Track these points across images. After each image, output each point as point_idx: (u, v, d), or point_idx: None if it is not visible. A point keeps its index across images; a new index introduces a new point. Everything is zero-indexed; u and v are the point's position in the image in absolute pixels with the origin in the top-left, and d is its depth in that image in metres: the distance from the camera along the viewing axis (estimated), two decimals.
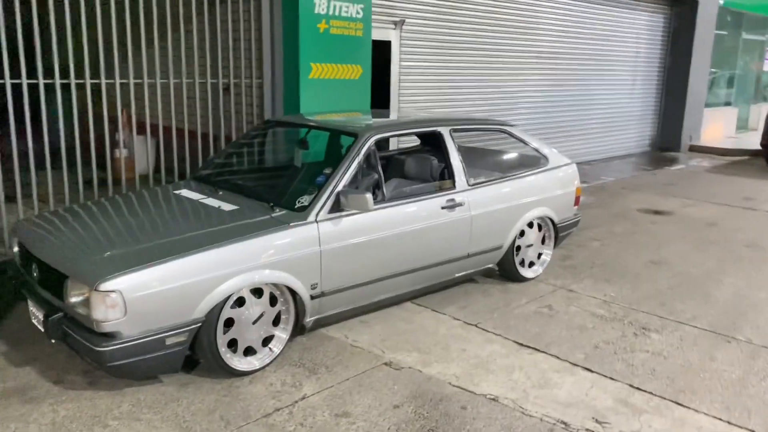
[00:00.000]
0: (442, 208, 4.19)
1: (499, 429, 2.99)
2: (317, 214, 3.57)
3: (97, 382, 3.29)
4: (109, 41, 5.10)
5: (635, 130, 12.01)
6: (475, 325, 4.12)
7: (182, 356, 3.18)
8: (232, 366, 3.32)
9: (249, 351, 3.42)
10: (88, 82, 4.99)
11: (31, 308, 3.40)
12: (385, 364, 3.58)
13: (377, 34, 6.85)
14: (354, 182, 3.84)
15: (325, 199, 3.62)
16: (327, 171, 3.89)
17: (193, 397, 3.18)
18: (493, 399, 3.24)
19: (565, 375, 3.51)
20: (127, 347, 2.95)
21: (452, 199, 4.25)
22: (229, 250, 3.23)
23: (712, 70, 13.35)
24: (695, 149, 12.54)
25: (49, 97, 4.84)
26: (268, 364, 3.47)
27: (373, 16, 6.38)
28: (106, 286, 2.88)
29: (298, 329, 3.66)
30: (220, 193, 4.01)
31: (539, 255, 5.06)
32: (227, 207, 3.76)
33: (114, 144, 6.92)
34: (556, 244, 5.19)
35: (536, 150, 5.08)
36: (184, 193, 4.10)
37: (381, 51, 7.11)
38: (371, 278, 3.88)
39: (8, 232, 4.33)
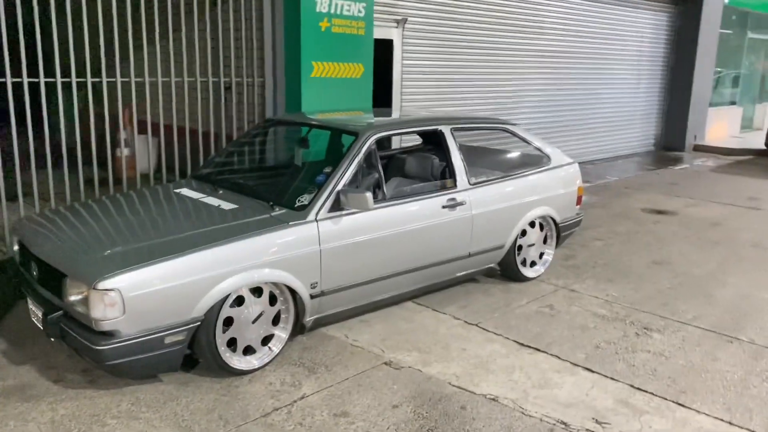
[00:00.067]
0: (443, 207, 4.18)
1: (499, 429, 2.98)
2: (317, 213, 3.56)
3: (96, 380, 3.29)
4: (111, 39, 5.10)
5: (639, 130, 11.97)
6: (476, 325, 4.10)
7: (181, 355, 3.17)
8: (232, 365, 3.32)
9: (248, 350, 3.42)
10: (90, 80, 4.99)
11: (31, 307, 3.40)
12: (385, 363, 3.56)
13: (379, 33, 6.83)
14: (354, 181, 3.83)
15: (325, 198, 3.61)
16: (327, 170, 3.88)
17: (192, 396, 3.17)
18: (493, 399, 3.23)
19: (565, 375, 3.49)
20: (125, 346, 2.95)
21: (453, 198, 4.24)
22: (229, 249, 3.22)
23: (717, 69, 13.29)
24: (699, 149, 12.49)
25: (50, 95, 4.84)
26: (267, 364, 3.46)
27: (375, 15, 6.37)
28: (104, 284, 2.87)
29: (298, 328, 3.65)
30: (220, 192, 4.00)
31: (541, 254, 5.04)
32: (227, 206, 3.75)
33: (116, 143, 6.92)
34: (558, 244, 5.17)
35: (538, 149, 5.06)
36: (184, 191, 4.10)
37: (383, 50, 7.10)
38: (371, 277, 3.87)
39: (9, 230, 4.33)
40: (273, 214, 3.59)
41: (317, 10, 5.61)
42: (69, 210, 3.92)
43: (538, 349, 3.79)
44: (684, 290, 4.84)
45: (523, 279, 4.87)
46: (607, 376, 3.48)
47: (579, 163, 5.29)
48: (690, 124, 12.26)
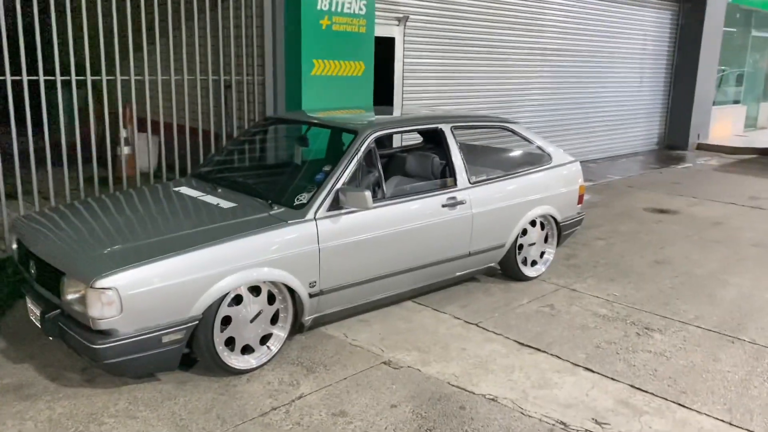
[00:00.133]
0: (443, 206, 4.16)
1: (498, 429, 2.96)
2: (316, 212, 3.55)
3: (94, 379, 3.28)
4: (111, 37, 5.09)
5: (642, 128, 11.92)
6: (476, 325, 4.08)
7: (179, 354, 3.16)
8: (230, 364, 3.31)
9: (247, 349, 3.40)
10: (89, 78, 4.98)
11: (30, 305, 3.39)
12: (384, 363, 3.55)
13: (381, 31, 6.81)
14: (354, 180, 3.81)
15: (324, 196, 3.59)
16: (326, 168, 3.86)
17: (190, 396, 3.16)
18: (492, 399, 3.21)
19: (565, 375, 3.48)
20: (123, 345, 2.94)
21: (453, 197, 4.22)
22: (227, 248, 3.21)
23: (721, 67, 13.23)
24: (703, 147, 12.44)
25: (50, 94, 4.83)
26: (265, 363, 3.45)
27: (377, 13, 6.34)
28: (102, 283, 2.86)
29: (297, 327, 3.64)
30: (219, 190, 3.99)
31: (542, 254, 5.02)
32: (226, 204, 3.74)
33: (116, 141, 6.92)
34: (559, 243, 5.14)
35: (539, 147, 5.04)
36: (184, 190, 4.09)
37: (385, 47, 7.08)
38: (371, 276, 3.85)
39: (8, 228, 4.33)
40: (272, 212, 3.57)
41: (318, 7, 5.59)
42: (68, 208, 3.91)
43: (538, 349, 3.77)
44: (685, 290, 4.81)
45: (524, 278, 4.85)
46: (607, 377, 3.46)
47: (582, 161, 5.27)
48: (693, 123, 12.21)
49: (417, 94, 7.71)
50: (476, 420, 3.02)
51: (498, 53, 8.64)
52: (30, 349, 3.58)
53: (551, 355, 3.71)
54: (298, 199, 3.65)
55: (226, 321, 3.28)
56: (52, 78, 4.80)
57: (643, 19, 11.03)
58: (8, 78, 4.55)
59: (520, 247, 4.80)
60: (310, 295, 3.55)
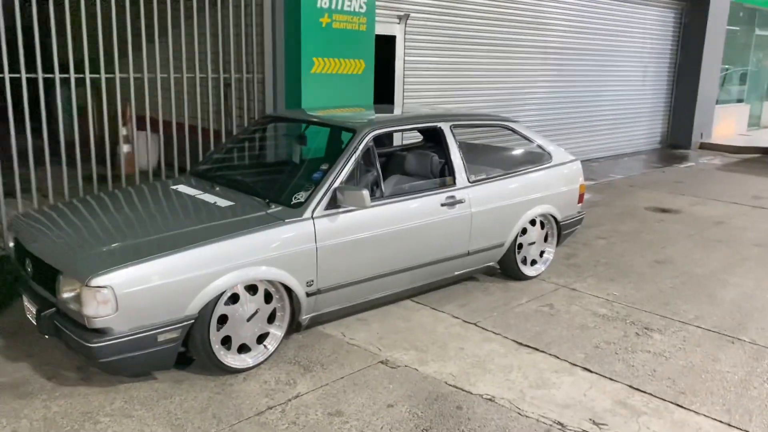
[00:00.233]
0: (442, 205, 4.14)
1: (494, 430, 2.94)
2: (313, 211, 3.53)
3: (90, 378, 3.27)
4: (110, 35, 5.08)
5: (645, 127, 11.89)
6: (474, 324, 4.07)
7: (175, 353, 3.15)
8: (226, 363, 3.29)
9: (243, 348, 3.39)
10: (88, 76, 4.97)
11: (26, 303, 3.39)
12: (381, 362, 3.54)
13: (381, 29, 6.79)
14: (352, 178, 3.79)
15: (322, 195, 3.58)
16: (324, 167, 3.84)
17: (186, 395, 3.15)
18: (490, 399, 3.19)
19: (563, 375, 3.46)
20: (118, 343, 2.93)
21: (452, 196, 4.20)
22: (223, 246, 3.19)
23: (724, 66, 13.17)
24: (706, 147, 12.39)
25: (49, 92, 4.83)
26: (262, 362, 3.44)
27: (378, 11, 6.33)
28: (97, 281, 2.85)
29: (294, 326, 3.62)
30: (217, 188, 3.98)
31: (542, 253, 5.00)
32: (223, 203, 3.73)
33: (115, 139, 6.91)
34: (559, 242, 5.12)
35: (540, 146, 5.02)
36: (181, 188, 4.08)
37: (385, 45, 7.06)
38: (368, 276, 3.84)
39: (6, 227, 4.33)
40: (269, 211, 3.56)
41: (318, 5, 5.57)
42: (65, 206, 3.90)
43: (537, 349, 3.75)
44: (686, 290, 4.79)
45: (524, 278, 4.83)
46: (605, 377, 3.44)
47: (584, 160, 5.26)
48: (696, 122, 12.16)
49: (418, 92, 7.69)
50: (473, 420, 3.01)
51: (500, 51, 8.62)
52: (27, 347, 3.57)
53: (550, 354, 3.69)
54: (295, 197, 3.63)
55: (223, 320, 3.27)
56: (51, 76, 4.79)
57: (646, 18, 10.98)
58: (6, 75, 4.54)
59: (520, 246, 4.77)
60: (308, 294, 3.54)
